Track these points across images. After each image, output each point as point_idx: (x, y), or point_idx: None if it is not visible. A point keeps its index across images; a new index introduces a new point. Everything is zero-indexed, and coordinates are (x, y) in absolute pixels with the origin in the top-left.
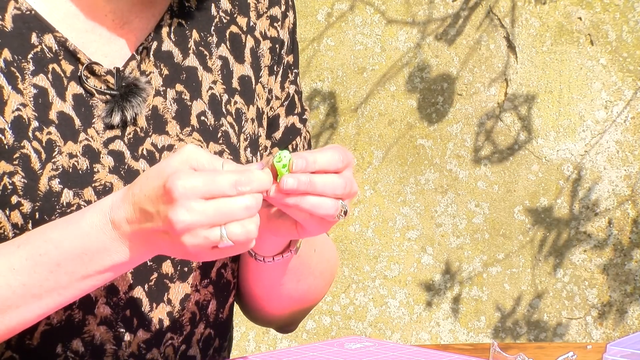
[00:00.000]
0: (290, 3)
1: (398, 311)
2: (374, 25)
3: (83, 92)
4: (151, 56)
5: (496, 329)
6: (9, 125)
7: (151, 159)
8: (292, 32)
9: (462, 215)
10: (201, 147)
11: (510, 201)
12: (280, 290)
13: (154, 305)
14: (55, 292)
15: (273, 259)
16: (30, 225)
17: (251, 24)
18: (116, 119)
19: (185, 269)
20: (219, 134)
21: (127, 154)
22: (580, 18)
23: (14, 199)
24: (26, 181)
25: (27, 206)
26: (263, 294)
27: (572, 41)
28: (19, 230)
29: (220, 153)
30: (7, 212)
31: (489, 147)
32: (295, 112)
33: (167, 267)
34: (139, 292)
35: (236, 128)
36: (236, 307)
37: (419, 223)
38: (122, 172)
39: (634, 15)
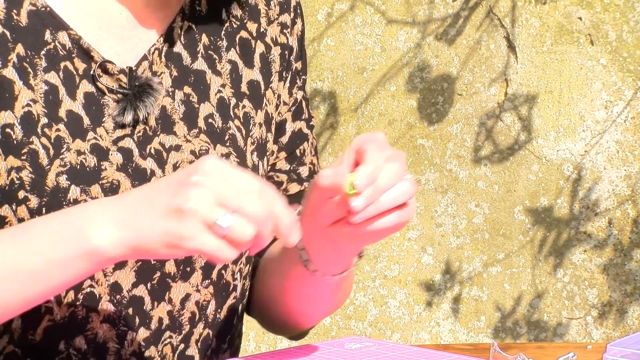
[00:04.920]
0: (298, 11)
1: (398, 311)
2: (374, 25)
3: (95, 91)
4: (163, 57)
5: (496, 329)
6: (19, 121)
7: (159, 158)
8: (301, 39)
9: (462, 215)
10: (208, 148)
11: (510, 201)
12: (328, 303)
13: (155, 303)
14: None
15: (340, 275)
16: None
17: (262, 29)
18: (128, 118)
19: (188, 269)
20: (226, 137)
21: (136, 152)
22: (580, 18)
23: (21, 194)
24: (34, 176)
25: (34, 201)
26: (306, 310)
27: (572, 41)
28: None
29: (227, 155)
30: (14, 207)
31: (489, 147)
32: (303, 117)
33: (170, 267)
34: (141, 291)
35: (243, 132)
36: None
37: (419, 223)
38: (129, 170)
39: (634, 15)
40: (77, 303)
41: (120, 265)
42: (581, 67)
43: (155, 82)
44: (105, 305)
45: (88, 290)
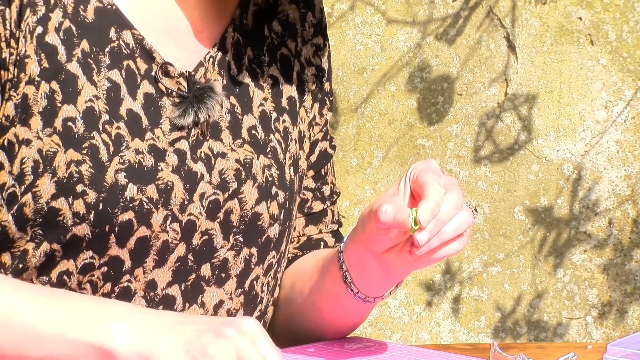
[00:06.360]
0: (326, 34)
1: (398, 311)
2: (374, 25)
3: (154, 92)
4: (216, 65)
5: (496, 329)
6: (80, 115)
7: (208, 163)
8: (329, 61)
9: None
10: (252, 158)
11: (510, 201)
12: (361, 319)
13: (187, 305)
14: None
15: (381, 297)
16: (92, 216)
17: (298, 48)
18: (188, 120)
19: (223, 275)
20: (268, 149)
21: (188, 154)
22: (580, 18)
23: (79, 188)
24: (93, 171)
25: (92, 196)
26: (338, 324)
27: (572, 41)
28: (80, 219)
29: (268, 167)
30: (70, 200)
31: (489, 147)
32: (327, 137)
33: (205, 270)
34: (175, 290)
35: (283, 145)
36: None
37: None
38: (182, 173)
39: (634, 15)
40: (112, 295)
41: (159, 263)
42: (581, 67)
43: (216, 85)
44: (138, 301)
45: (125, 284)
